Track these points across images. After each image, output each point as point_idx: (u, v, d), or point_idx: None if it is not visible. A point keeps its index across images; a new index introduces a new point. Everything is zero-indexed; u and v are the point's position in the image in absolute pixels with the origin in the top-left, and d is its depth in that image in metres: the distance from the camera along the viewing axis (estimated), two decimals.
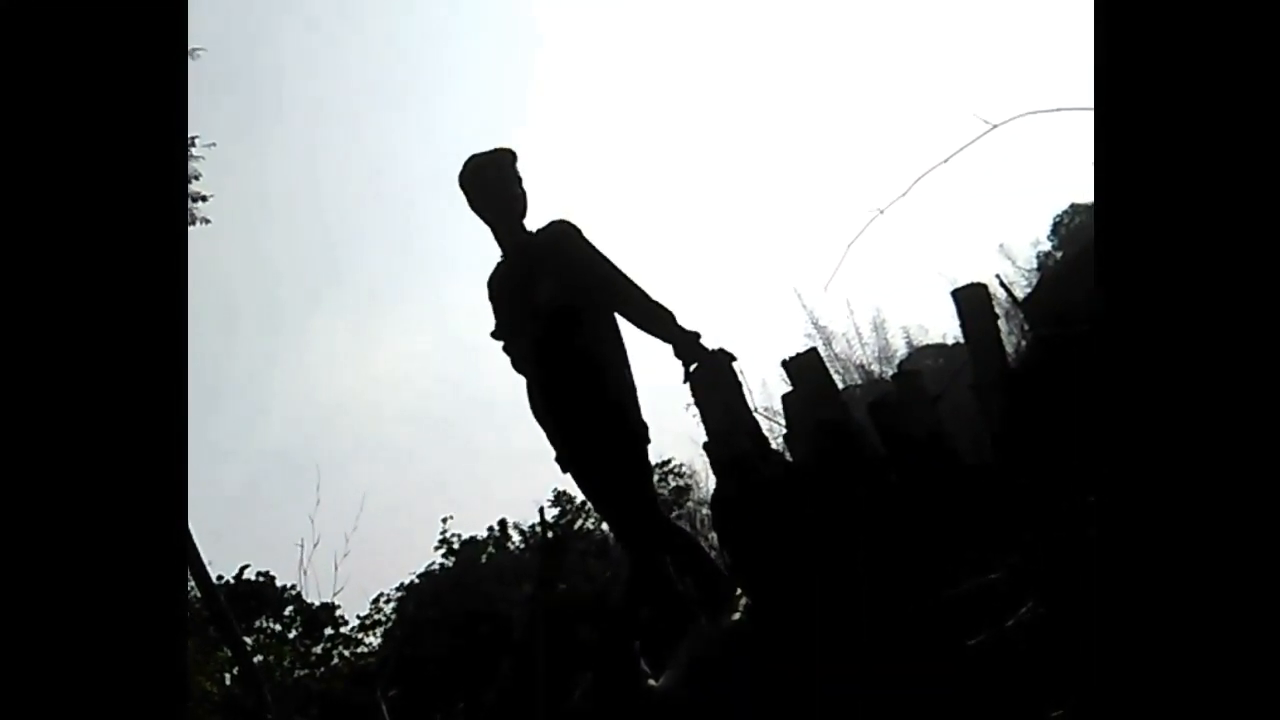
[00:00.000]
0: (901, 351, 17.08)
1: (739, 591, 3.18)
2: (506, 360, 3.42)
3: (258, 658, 10.10)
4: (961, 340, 4.76)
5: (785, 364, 3.71)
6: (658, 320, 3.26)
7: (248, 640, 10.44)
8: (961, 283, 3.92)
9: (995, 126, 2.48)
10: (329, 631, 16.60)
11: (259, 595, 16.72)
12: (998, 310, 3.98)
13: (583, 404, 3.20)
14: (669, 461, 18.06)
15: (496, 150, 3.43)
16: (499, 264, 3.45)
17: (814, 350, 3.79)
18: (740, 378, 3.28)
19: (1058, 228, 18.84)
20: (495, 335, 3.43)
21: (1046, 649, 1.98)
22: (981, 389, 3.68)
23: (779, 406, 3.98)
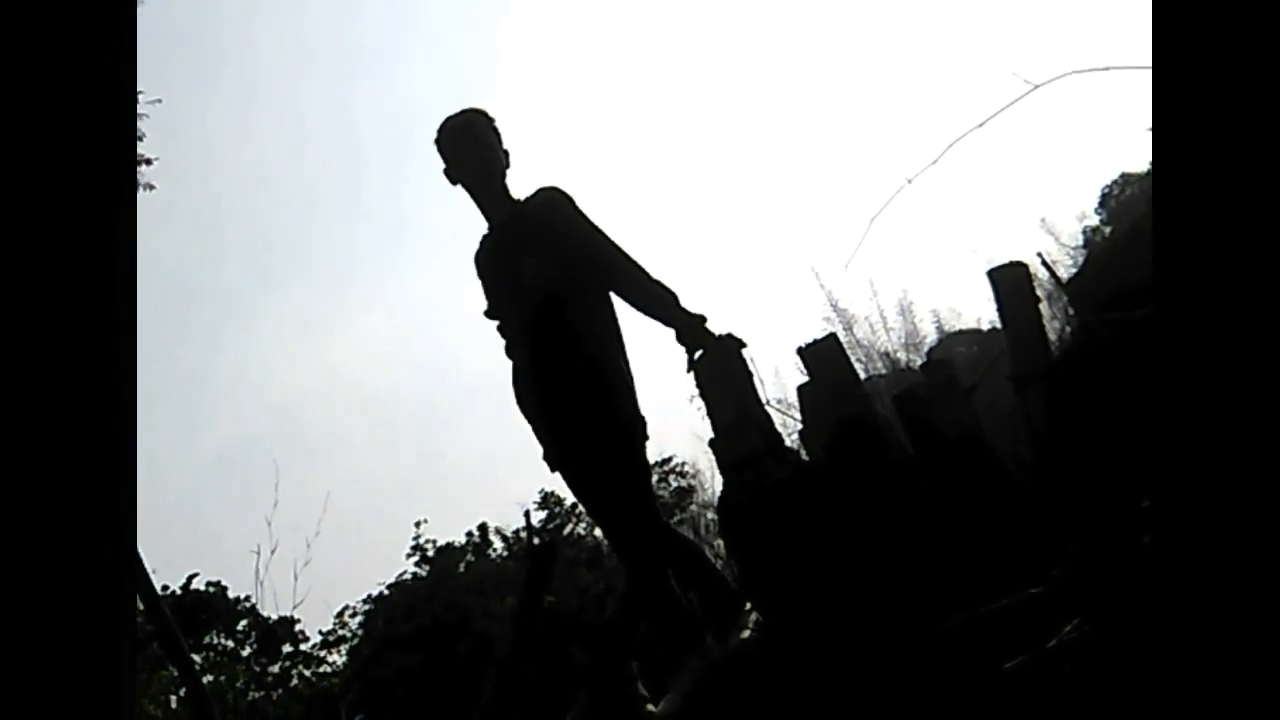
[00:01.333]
0: (931, 338, 17.09)
1: (748, 606, 3.19)
2: (490, 345, 3.45)
3: (207, 678, 10.16)
4: (999, 326, 4.76)
5: (801, 351, 3.72)
6: (658, 301, 3.27)
7: (196, 658, 10.47)
8: (999, 261, 3.93)
9: (1037, 87, 2.48)
10: (287, 649, 16.67)
11: (209, 607, 16.76)
12: (1039, 292, 3.98)
13: (573, 395, 3.20)
14: (670, 460, 18.09)
15: (469, 111, 3.46)
16: (485, 237, 3.46)
17: (833, 336, 3.80)
18: (750, 366, 3.29)
19: (1106, 200, 18.82)
20: (489, 315, 3.45)
21: (1093, 673, 1.98)
22: (1021, 380, 3.68)
23: (794, 398, 4.00)
